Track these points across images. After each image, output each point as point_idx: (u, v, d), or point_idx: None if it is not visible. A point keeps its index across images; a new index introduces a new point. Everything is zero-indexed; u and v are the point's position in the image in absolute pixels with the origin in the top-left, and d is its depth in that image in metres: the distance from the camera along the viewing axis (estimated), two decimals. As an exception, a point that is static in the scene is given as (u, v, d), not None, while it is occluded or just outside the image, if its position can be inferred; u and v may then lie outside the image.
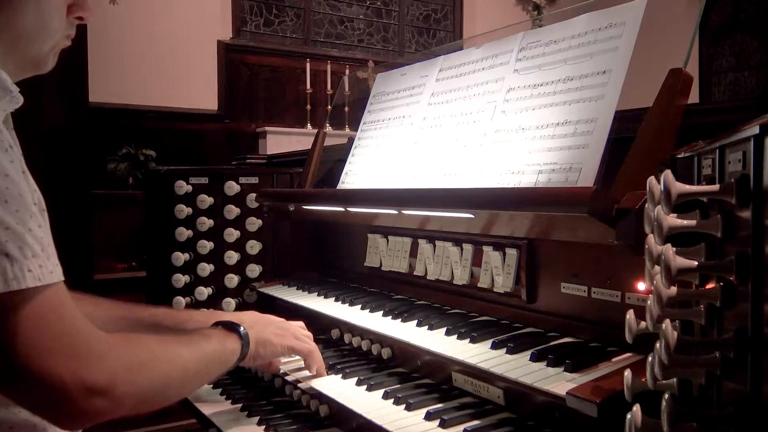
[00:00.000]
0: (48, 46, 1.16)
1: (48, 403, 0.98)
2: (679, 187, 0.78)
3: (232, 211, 2.40)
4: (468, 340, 1.41)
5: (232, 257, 2.38)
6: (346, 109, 6.37)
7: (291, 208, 2.20)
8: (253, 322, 1.60)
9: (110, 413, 1.02)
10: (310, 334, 1.71)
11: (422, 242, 1.81)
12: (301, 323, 1.75)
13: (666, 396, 0.78)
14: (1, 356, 0.95)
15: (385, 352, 1.67)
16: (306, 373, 1.65)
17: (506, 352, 1.31)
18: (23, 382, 0.96)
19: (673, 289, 0.80)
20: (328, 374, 1.63)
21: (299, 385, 1.66)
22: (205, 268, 2.41)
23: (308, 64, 6.97)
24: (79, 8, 1.19)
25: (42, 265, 0.98)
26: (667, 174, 0.79)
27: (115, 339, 1.10)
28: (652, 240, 0.83)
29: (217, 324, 1.50)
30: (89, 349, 1.02)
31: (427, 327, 1.54)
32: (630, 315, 0.92)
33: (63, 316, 1.01)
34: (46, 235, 1.01)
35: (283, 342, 1.60)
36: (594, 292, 1.35)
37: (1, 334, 0.94)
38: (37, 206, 1.03)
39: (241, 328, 1.49)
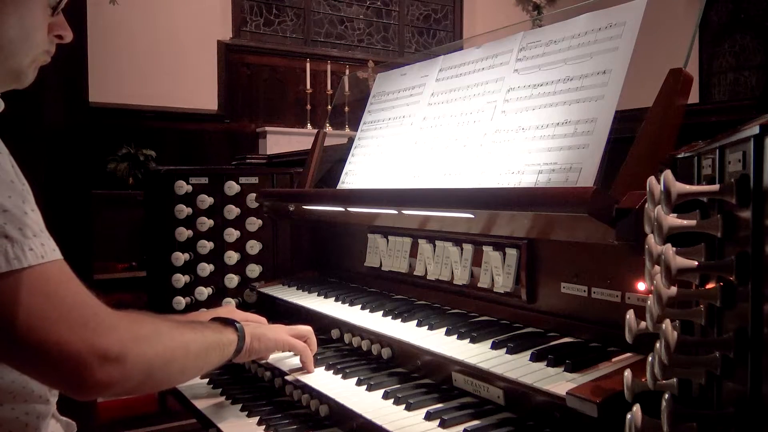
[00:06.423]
0: (29, 59, 1.19)
1: (63, 372, 1.02)
2: (679, 187, 0.78)
3: (232, 211, 2.40)
4: (468, 340, 1.41)
5: (232, 257, 2.38)
6: (346, 109, 6.37)
7: (291, 208, 2.20)
8: (243, 319, 1.64)
9: (121, 384, 1.06)
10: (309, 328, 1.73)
11: (422, 242, 1.80)
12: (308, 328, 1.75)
13: (666, 396, 0.78)
14: (16, 333, 0.97)
15: (385, 352, 1.66)
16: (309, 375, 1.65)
17: (506, 352, 1.31)
18: (39, 355, 0.99)
19: (673, 289, 0.80)
20: (332, 375, 1.62)
21: (299, 385, 1.66)
22: (205, 268, 2.41)
23: (308, 64, 6.98)
24: (59, 28, 1.23)
25: (44, 244, 1.02)
26: (667, 174, 0.79)
27: (122, 313, 1.14)
28: (652, 240, 0.83)
29: (212, 320, 1.56)
30: (100, 319, 1.05)
31: (427, 327, 1.54)
32: (630, 315, 0.92)
33: (71, 289, 1.05)
34: (40, 221, 1.05)
35: (278, 336, 1.63)
36: (594, 292, 1.35)
37: (13, 311, 0.97)
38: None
39: (237, 323, 1.53)
